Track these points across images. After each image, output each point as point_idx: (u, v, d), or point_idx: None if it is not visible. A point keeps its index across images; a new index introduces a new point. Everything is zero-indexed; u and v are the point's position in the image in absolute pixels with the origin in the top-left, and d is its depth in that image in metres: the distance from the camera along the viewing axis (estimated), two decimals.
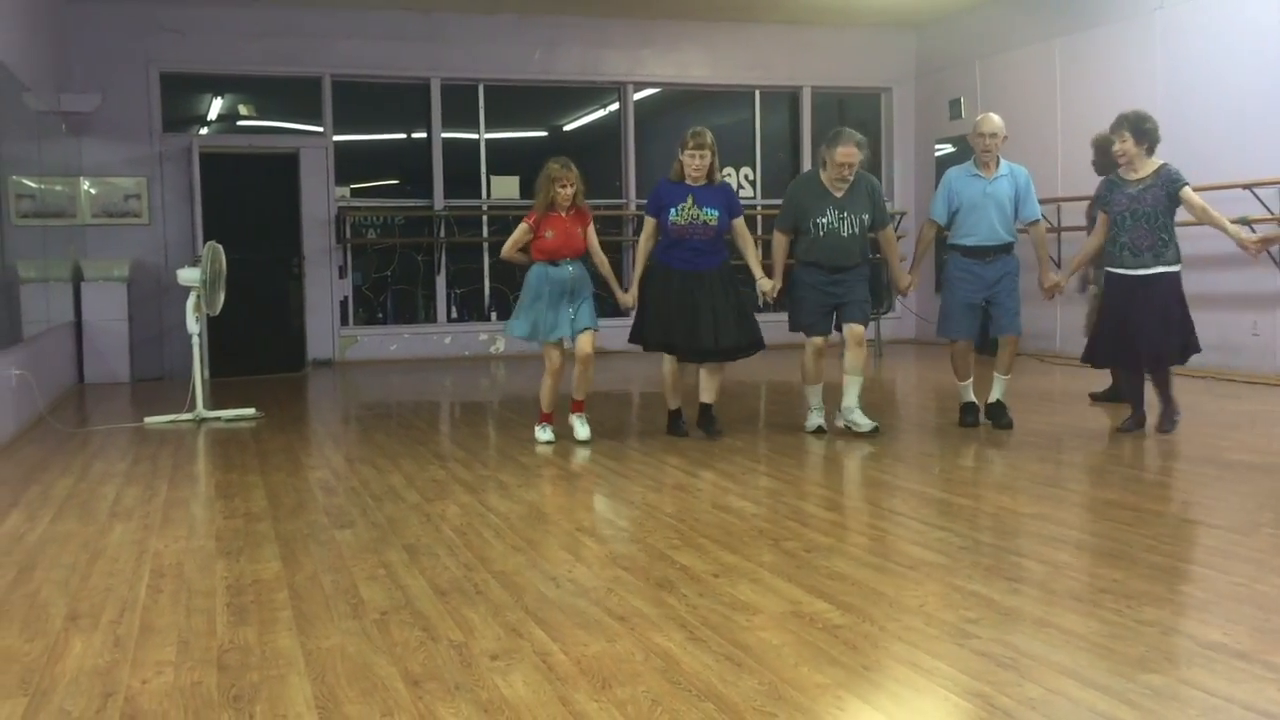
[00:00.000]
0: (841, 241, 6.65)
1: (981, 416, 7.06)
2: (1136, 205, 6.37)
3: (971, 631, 3.26)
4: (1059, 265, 9.45)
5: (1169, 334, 6.38)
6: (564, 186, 6.54)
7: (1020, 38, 11.83)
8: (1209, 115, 9.40)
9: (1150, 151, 6.41)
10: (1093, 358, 6.81)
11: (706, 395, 6.93)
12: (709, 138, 6.63)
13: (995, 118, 6.88)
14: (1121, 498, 5.11)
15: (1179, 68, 9.85)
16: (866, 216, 6.70)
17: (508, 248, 6.75)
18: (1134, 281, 6.40)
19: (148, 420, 7.94)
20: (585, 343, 6.69)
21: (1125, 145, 6.40)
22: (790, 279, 6.90)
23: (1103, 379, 8.05)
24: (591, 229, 6.77)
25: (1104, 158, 8.06)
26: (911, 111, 13.80)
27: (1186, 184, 6.34)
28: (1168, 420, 6.59)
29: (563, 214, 6.59)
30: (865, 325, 6.80)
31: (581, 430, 6.81)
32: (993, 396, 7.02)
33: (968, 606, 3.50)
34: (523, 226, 6.65)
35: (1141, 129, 6.37)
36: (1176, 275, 6.40)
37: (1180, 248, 6.42)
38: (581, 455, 6.45)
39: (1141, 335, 6.37)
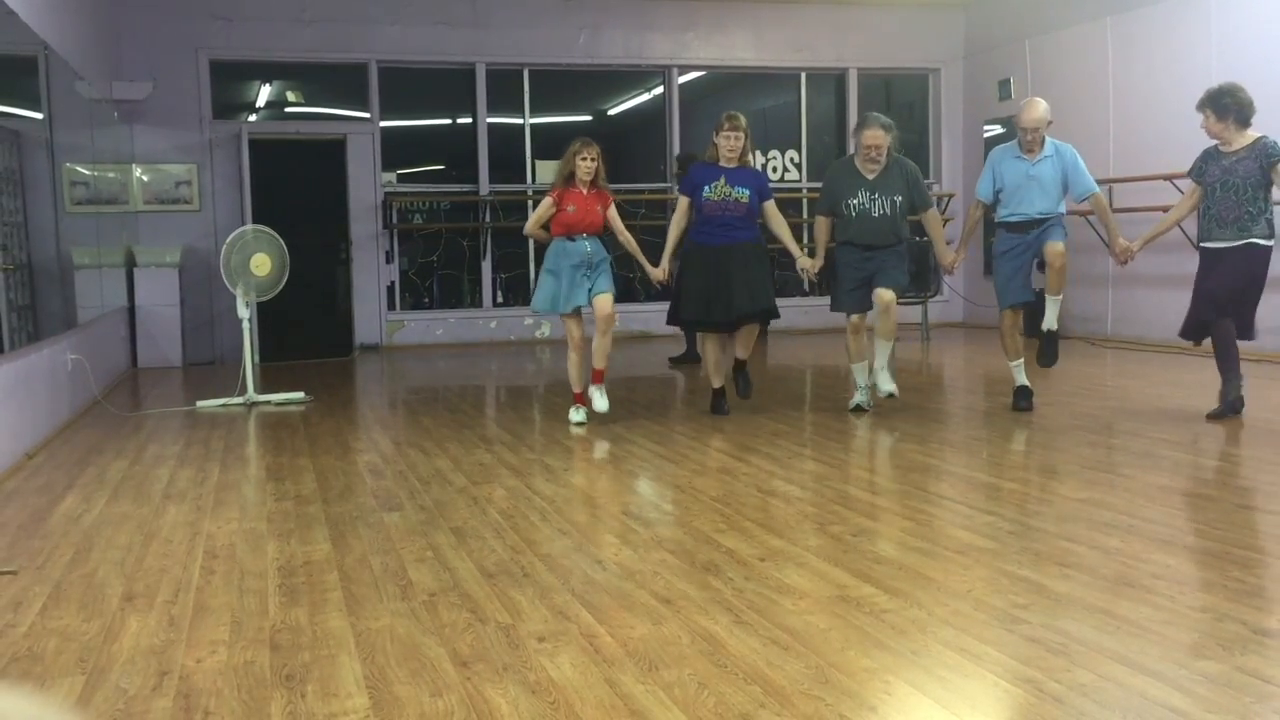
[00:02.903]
0: (873, 222, 6.81)
1: (1034, 400, 6.99)
2: (1228, 177, 6.21)
3: (1021, 617, 3.23)
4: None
5: (1243, 307, 6.20)
6: (585, 160, 6.70)
7: (1071, 16, 11.64)
8: (1264, 94, 9.08)
9: (1242, 123, 6.22)
10: (1185, 332, 6.54)
11: (741, 351, 7.09)
12: (743, 120, 6.86)
13: (1038, 110, 6.70)
14: (1173, 482, 5.05)
15: (1233, 46, 9.64)
16: (900, 198, 6.82)
17: (531, 224, 6.96)
18: (1220, 254, 6.26)
19: (199, 404, 8.05)
20: (604, 303, 6.75)
21: (1208, 124, 6.24)
22: (831, 260, 7.08)
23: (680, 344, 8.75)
24: (613, 210, 6.91)
25: (684, 171, 8.16)
26: (960, 92, 13.63)
27: None
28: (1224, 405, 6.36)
29: (583, 190, 6.75)
30: (894, 291, 6.76)
31: (600, 402, 6.90)
32: (1044, 325, 6.85)
33: (1016, 592, 3.47)
34: (546, 201, 6.83)
35: (1220, 104, 6.20)
36: (1263, 250, 6.17)
37: (1275, 224, 6.23)
38: (599, 425, 6.48)
39: (1227, 308, 6.21)
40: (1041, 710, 2.62)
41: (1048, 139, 6.79)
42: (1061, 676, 2.79)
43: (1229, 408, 6.37)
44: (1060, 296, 6.86)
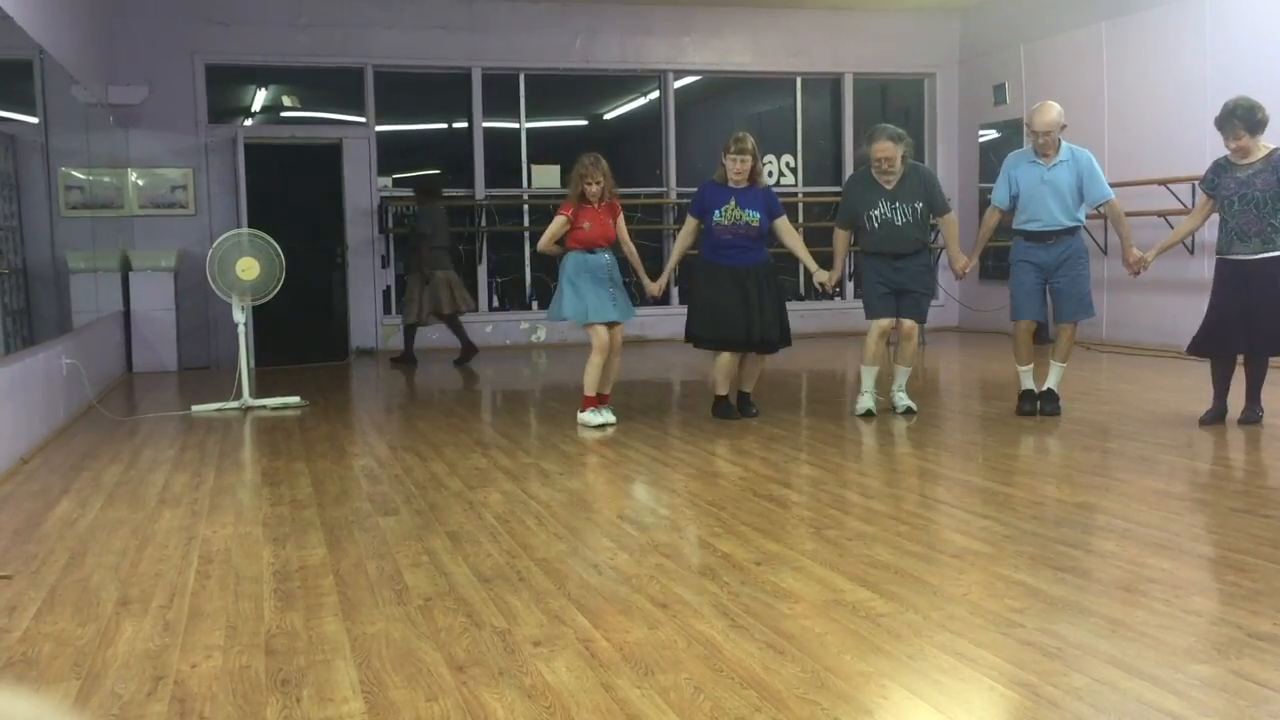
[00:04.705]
0: (896, 230, 6.91)
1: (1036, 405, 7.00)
2: (1245, 190, 6.14)
3: (1016, 621, 3.24)
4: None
5: (1276, 322, 6.09)
6: (590, 184, 6.86)
7: (1066, 21, 11.66)
8: (1261, 100, 9.21)
9: (1260, 135, 6.16)
10: (1198, 348, 6.45)
11: (747, 385, 7.24)
12: (750, 143, 6.91)
13: (1050, 113, 6.63)
14: (1169, 487, 5.05)
15: (1229, 51, 9.66)
16: (920, 204, 6.92)
17: (545, 241, 7.07)
18: (1243, 267, 6.16)
19: (195, 408, 8.04)
20: (617, 334, 7.03)
21: (1242, 142, 6.12)
22: (858, 271, 7.19)
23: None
24: (621, 220, 7.11)
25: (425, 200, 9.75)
26: (955, 97, 13.64)
27: None
28: (1251, 413, 6.32)
29: (596, 206, 6.91)
30: (919, 321, 7.07)
31: (606, 415, 7.02)
32: (1047, 384, 6.95)
33: (1012, 596, 3.47)
34: (560, 219, 6.95)
35: (1253, 119, 6.10)
36: None
37: None
38: (600, 434, 6.47)
39: (1250, 322, 6.12)
40: (1037, 714, 2.62)
41: (1064, 144, 6.71)
42: (1057, 680, 2.79)
43: (1213, 417, 6.38)
44: (1065, 364, 6.95)
